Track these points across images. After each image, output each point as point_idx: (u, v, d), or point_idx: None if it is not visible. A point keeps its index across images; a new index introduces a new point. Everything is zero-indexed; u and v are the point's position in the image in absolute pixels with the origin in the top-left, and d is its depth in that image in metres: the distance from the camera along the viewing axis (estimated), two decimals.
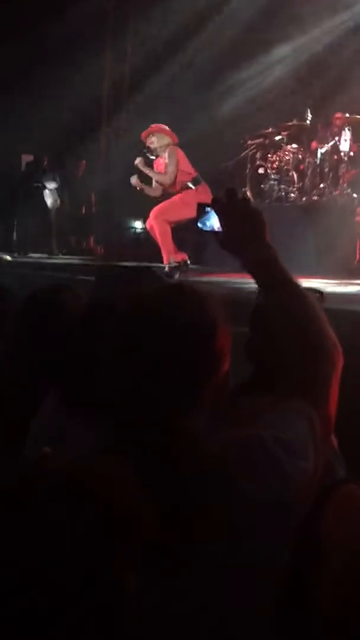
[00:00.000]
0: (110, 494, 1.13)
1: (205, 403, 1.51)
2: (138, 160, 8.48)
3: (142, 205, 8.99)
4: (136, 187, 8.58)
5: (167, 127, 8.54)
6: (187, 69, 12.20)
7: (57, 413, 1.79)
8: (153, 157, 8.43)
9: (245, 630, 1.42)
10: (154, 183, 8.49)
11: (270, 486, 1.43)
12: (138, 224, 11.85)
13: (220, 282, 6.85)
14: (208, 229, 1.86)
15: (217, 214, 1.82)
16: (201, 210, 1.89)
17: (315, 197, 10.57)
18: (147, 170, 8.46)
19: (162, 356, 1.47)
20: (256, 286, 1.77)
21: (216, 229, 1.83)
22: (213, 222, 1.84)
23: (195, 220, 1.91)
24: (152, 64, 12.25)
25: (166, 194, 8.44)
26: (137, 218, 11.66)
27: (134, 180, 8.53)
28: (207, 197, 8.11)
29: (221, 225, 1.81)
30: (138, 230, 11.99)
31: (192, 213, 8.05)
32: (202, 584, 1.40)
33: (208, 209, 1.86)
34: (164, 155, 8.34)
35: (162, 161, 8.39)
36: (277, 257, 1.73)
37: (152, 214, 8.38)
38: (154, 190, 8.51)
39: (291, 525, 1.43)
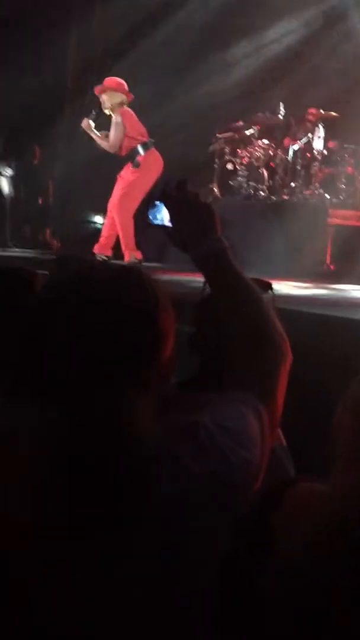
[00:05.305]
0: None
1: (150, 386, 1.48)
2: (84, 122, 8.27)
3: (103, 199, 8.55)
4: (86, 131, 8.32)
5: (122, 82, 8.21)
6: (156, 54, 11.66)
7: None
8: (106, 112, 8.17)
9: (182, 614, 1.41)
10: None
11: (213, 470, 1.42)
12: (98, 219, 11.34)
13: (182, 280, 6.42)
14: (158, 223, 1.87)
15: (165, 207, 1.79)
16: (151, 203, 1.58)
17: (285, 196, 10.21)
18: (91, 134, 8.24)
19: (104, 334, 1.44)
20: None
21: (166, 223, 1.80)
22: (163, 215, 1.82)
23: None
24: (120, 47, 11.75)
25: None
26: (97, 212, 11.24)
27: (84, 122, 8.29)
28: (157, 165, 7.96)
29: (170, 218, 1.78)
30: (98, 225, 11.49)
31: (148, 184, 7.88)
32: (139, 559, 1.38)
33: (157, 202, 1.85)
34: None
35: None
36: (227, 252, 1.74)
37: (112, 208, 8.18)
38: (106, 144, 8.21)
39: (232, 510, 1.45)
